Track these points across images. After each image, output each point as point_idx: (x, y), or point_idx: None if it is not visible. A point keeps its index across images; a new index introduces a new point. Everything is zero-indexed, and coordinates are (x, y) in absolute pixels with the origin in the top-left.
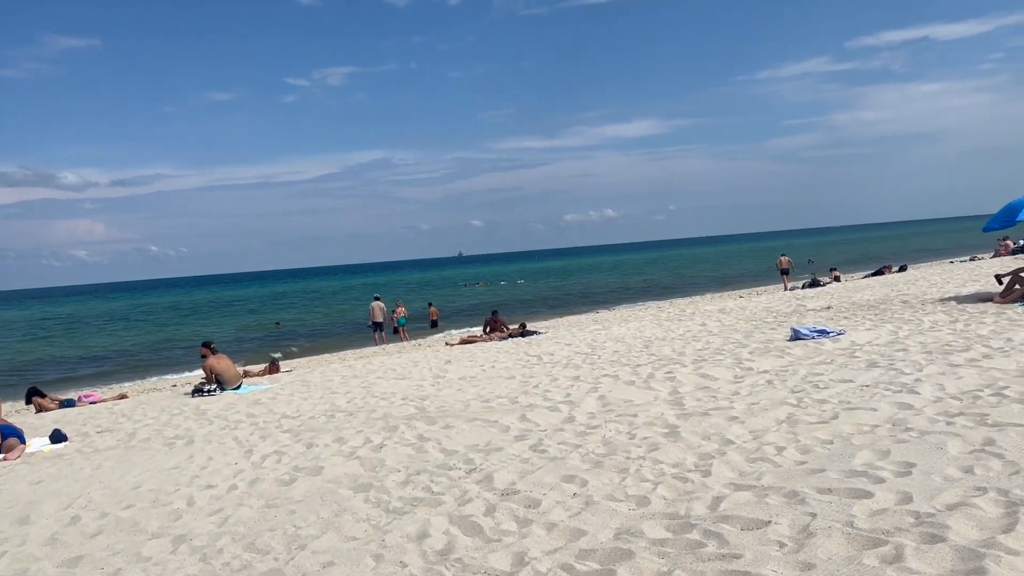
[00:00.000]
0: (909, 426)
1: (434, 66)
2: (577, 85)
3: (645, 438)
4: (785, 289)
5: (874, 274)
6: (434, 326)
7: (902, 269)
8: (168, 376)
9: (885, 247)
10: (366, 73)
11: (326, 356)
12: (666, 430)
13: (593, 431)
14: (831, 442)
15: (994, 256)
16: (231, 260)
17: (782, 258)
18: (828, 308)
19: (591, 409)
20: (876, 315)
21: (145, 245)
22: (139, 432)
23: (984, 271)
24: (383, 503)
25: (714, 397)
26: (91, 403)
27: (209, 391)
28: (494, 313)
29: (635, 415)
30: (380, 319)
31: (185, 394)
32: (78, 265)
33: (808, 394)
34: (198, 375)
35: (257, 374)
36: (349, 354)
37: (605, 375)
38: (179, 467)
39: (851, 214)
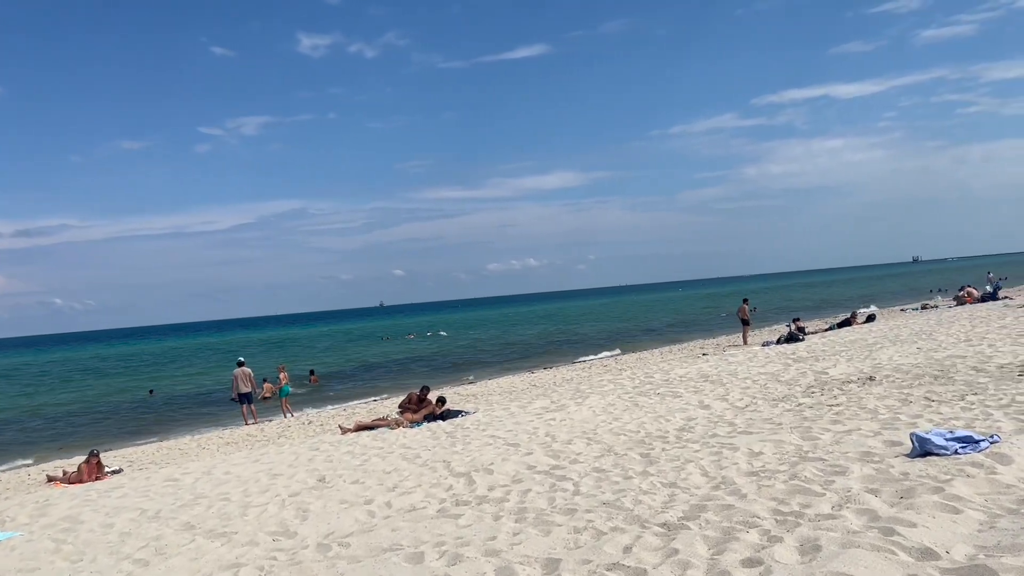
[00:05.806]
0: None
1: (352, 117)
2: (496, 137)
3: None
4: (745, 343)
5: (840, 325)
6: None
7: (870, 319)
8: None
9: (809, 295)
10: (282, 123)
11: (182, 441)
12: None
13: None
14: None
15: (958, 304)
16: (142, 313)
17: (744, 306)
18: (871, 380)
19: None
20: (976, 395)
21: (49, 298)
22: None
23: (985, 322)
24: None
25: None
26: None
27: None
28: (424, 390)
29: None
30: (246, 389)
31: None
32: None
33: None
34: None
35: (72, 478)
36: (212, 437)
37: (612, 564)
38: None
39: (762, 263)
